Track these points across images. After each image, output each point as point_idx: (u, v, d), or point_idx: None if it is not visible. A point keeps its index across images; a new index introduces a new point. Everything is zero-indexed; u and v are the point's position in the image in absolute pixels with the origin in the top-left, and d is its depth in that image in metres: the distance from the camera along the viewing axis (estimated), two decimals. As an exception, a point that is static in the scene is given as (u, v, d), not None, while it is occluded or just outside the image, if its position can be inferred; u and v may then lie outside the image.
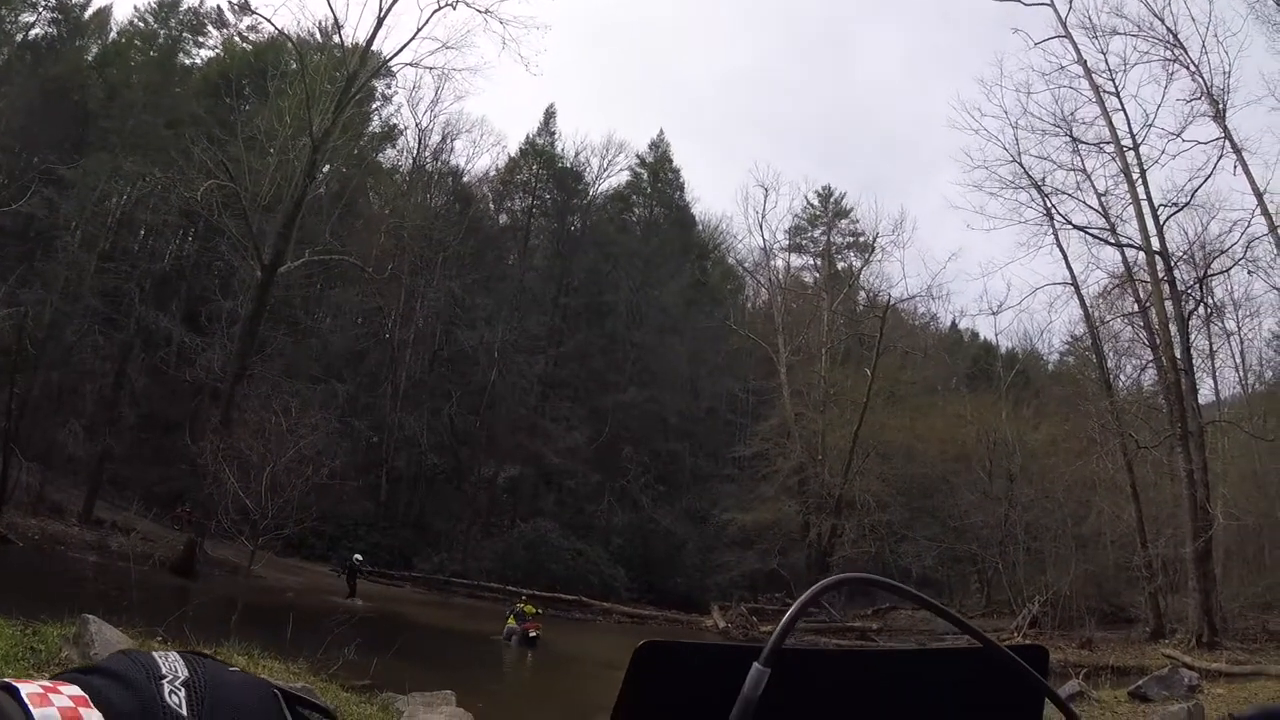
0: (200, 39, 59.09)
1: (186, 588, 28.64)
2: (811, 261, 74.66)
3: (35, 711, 0.86)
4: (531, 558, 48.91)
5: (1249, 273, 41.53)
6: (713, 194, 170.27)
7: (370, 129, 60.74)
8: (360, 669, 15.73)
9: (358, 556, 39.19)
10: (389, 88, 60.20)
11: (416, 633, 28.44)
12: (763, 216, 67.28)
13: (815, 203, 73.23)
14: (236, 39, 58.20)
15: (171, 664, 0.98)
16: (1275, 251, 37.85)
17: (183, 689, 0.95)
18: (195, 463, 33.23)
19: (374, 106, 60.15)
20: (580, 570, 49.44)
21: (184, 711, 0.92)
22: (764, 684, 1.21)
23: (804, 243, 74.32)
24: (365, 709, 11.97)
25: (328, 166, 47.93)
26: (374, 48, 45.07)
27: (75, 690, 0.90)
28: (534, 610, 35.84)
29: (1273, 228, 36.49)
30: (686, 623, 45.52)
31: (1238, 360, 52.14)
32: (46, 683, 0.91)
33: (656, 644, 1.37)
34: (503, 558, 49.32)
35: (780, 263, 72.20)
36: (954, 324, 74.88)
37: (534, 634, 33.23)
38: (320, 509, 33.04)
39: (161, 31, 57.69)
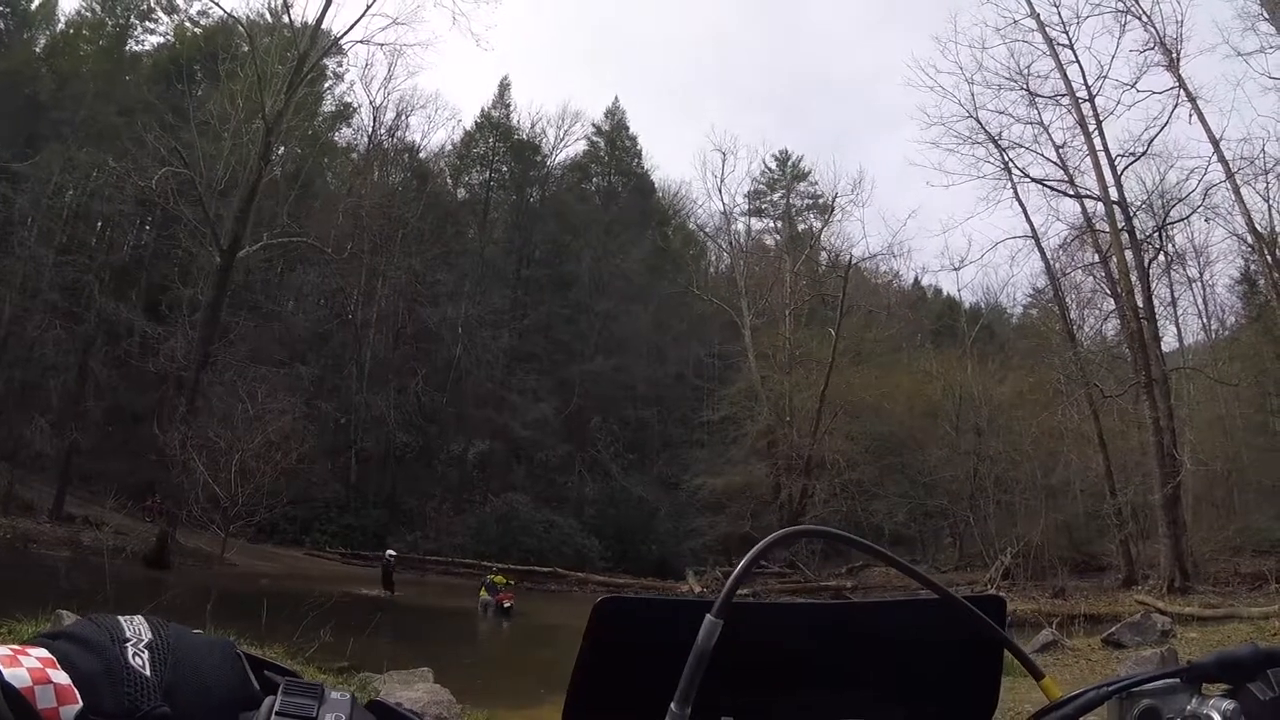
0: (149, 25, 58.41)
1: (160, 579, 28.56)
2: (772, 224, 75.01)
3: (5, 672, 0.89)
4: (504, 532, 49.08)
5: (1207, 220, 42.00)
6: (672, 160, 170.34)
7: (324, 108, 60.40)
8: (338, 650, 15.76)
9: (391, 553, 38.99)
10: (341, 66, 59.68)
11: (393, 612, 28.53)
12: (721, 181, 67.10)
13: (774, 166, 73.47)
14: (186, 24, 57.63)
15: (136, 627, 1.03)
16: (1233, 198, 38.20)
17: (146, 650, 1.00)
18: (163, 453, 33.11)
19: (327, 86, 59.71)
20: (554, 542, 49.60)
21: (147, 672, 0.97)
22: (717, 635, 1.25)
23: (764, 206, 74.56)
24: (343, 689, 11.99)
25: (282, 148, 47.71)
26: (324, 26, 44.81)
27: (42, 653, 0.95)
28: (505, 580, 36.12)
29: (1230, 174, 36.79)
30: (662, 589, 45.55)
31: (1200, 306, 52.74)
32: (15, 646, 0.96)
33: (615, 599, 1.43)
34: (476, 533, 49.45)
35: (741, 226, 72.39)
36: (917, 281, 75.03)
37: (508, 604, 33.48)
38: (290, 493, 33.00)
39: (109, 20, 57.03)
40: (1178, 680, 1.34)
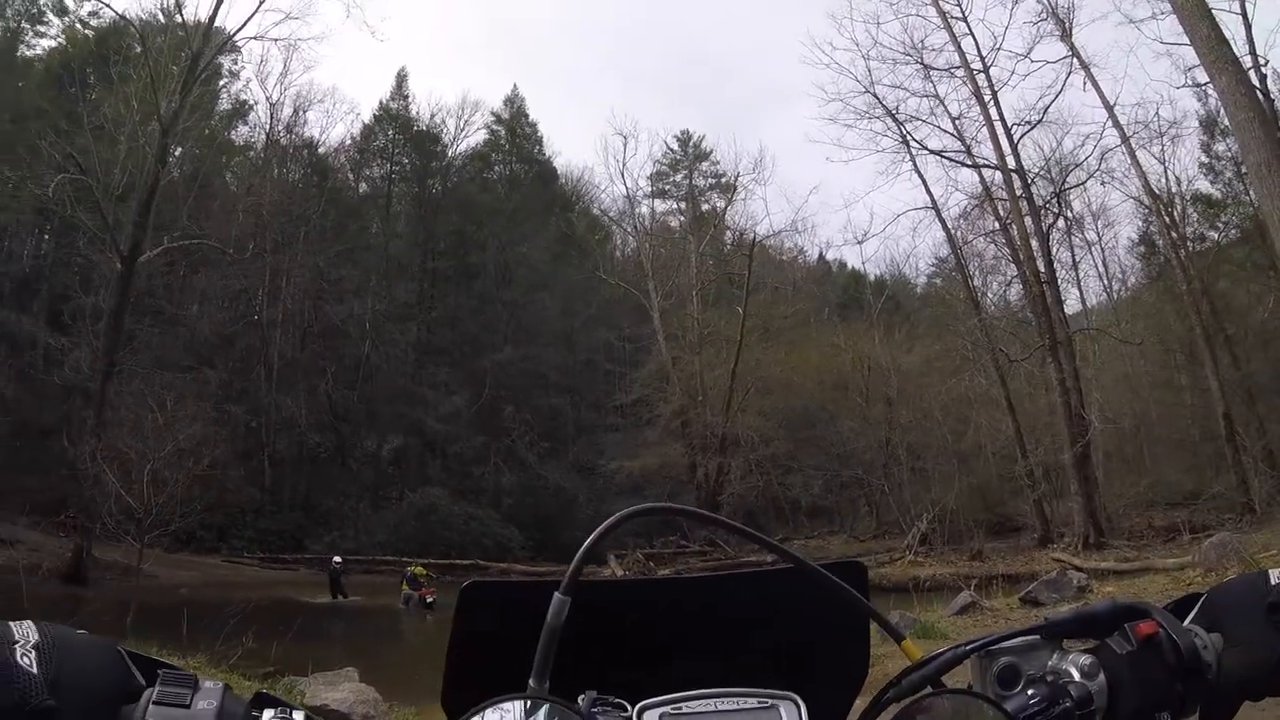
0: (40, 29, 57.09)
1: (79, 595, 28.15)
2: (676, 206, 75.12)
3: None
4: (423, 527, 48.83)
5: (1104, 184, 42.92)
6: (573, 146, 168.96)
7: (220, 107, 59.41)
8: (261, 656, 15.68)
9: (337, 560, 38.55)
10: (235, 63, 58.79)
11: (314, 614, 28.33)
12: (623, 165, 67.25)
13: (675, 147, 73.58)
14: (77, 26, 56.41)
15: (24, 630, 1.11)
16: (1129, 161, 39.09)
17: (33, 650, 1.09)
18: (74, 466, 32.63)
19: (221, 84, 58.65)
20: (474, 534, 49.53)
21: (34, 670, 1.06)
22: (565, 612, 1.33)
23: (667, 188, 74.59)
24: (251, 693, 11.93)
25: (179, 149, 46.94)
26: (217, 24, 44.09)
27: None
28: (425, 573, 36.07)
29: (1125, 139, 37.78)
30: (585, 574, 45.70)
31: (1101, 269, 53.90)
32: None
33: (480, 583, 1.53)
34: (395, 530, 49.16)
35: (645, 209, 72.36)
36: (821, 256, 75.93)
37: (430, 599, 33.45)
38: (205, 500, 32.71)
39: None
40: (1037, 637, 1.42)
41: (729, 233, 66.70)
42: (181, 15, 44.72)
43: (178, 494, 28.51)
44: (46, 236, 51.27)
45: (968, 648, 1.43)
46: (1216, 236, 46.18)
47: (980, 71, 40.16)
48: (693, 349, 55.57)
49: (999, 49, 39.92)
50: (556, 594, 1.35)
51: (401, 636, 31.04)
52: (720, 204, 68.72)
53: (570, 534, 52.49)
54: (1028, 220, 38.93)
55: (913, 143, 43.41)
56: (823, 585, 1.47)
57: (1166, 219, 41.55)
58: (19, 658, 1.06)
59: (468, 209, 65.96)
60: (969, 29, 40.59)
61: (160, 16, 47.49)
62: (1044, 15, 38.53)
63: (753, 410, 51.87)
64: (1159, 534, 33.80)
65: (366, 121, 68.06)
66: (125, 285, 39.79)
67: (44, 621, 1.15)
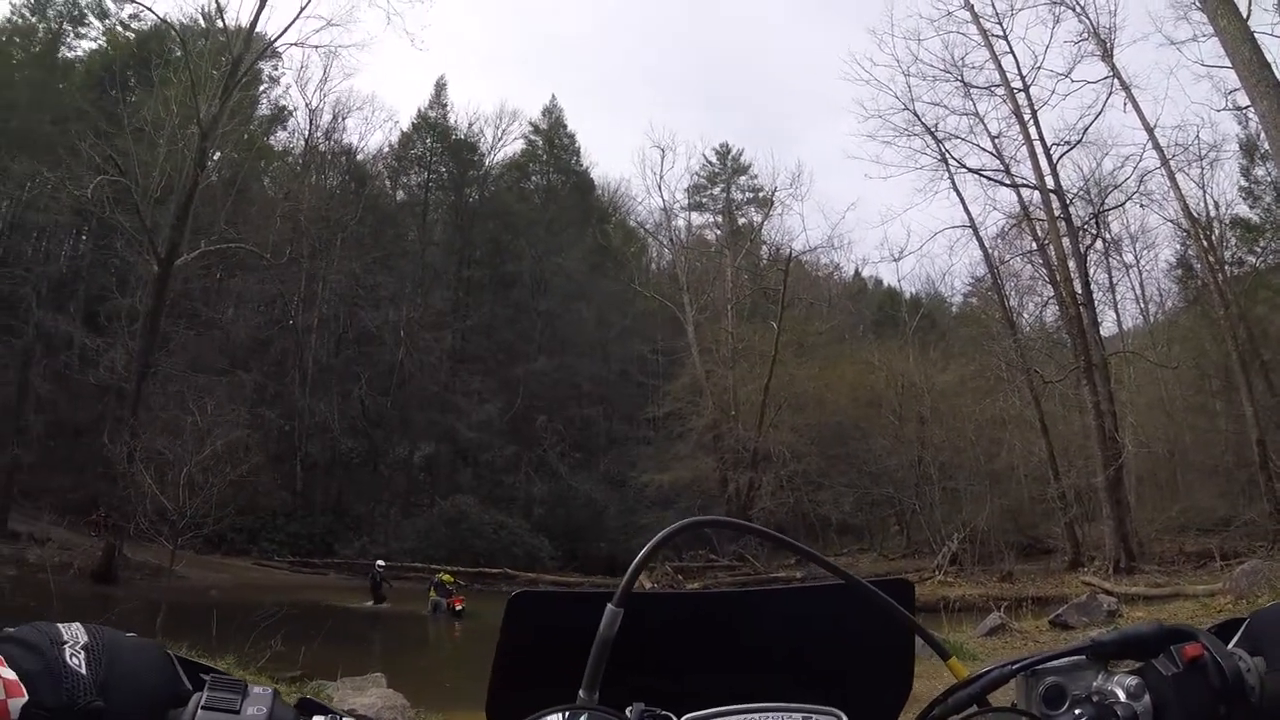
0: (81, 30, 57.56)
1: (109, 594, 28.29)
2: (712, 219, 74.81)
3: None
4: (453, 535, 48.81)
5: (1142, 206, 42.64)
6: (611, 157, 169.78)
7: (259, 112, 59.73)
8: (290, 659, 15.66)
9: (380, 564, 38.52)
10: (276, 69, 59.13)
11: (343, 619, 28.33)
12: (660, 177, 67.30)
13: (714, 160, 73.39)
14: (118, 29, 56.90)
15: (74, 632, 1.12)
16: (1168, 184, 38.82)
17: (83, 651, 1.09)
18: (109, 466, 32.80)
19: (261, 89, 59.07)
20: (503, 543, 49.38)
21: (83, 671, 1.07)
22: (618, 623, 1.32)
23: (704, 201, 74.39)
24: (295, 697, 11.88)
25: (218, 153, 47.16)
26: (258, 29, 44.38)
27: None
28: (453, 580, 36.06)
29: (1164, 161, 37.49)
30: (613, 586, 45.57)
31: (1138, 291, 53.56)
32: None
33: (528, 593, 1.53)
34: (425, 537, 49.13)
35: (681, 222, 72.24)
36: (857, 272, 75.71)
37: (460, 608, 33.42)
38: (238, 503, 32.79)
39: (41, 25, 56.18)
40: (1083, 657, 1.41)
41: (765, 247, 66.75)
42: (223, 20, 45.09)
43: (212, 497, 28.55)
44: (84, 237, 51.72)
45: (1014, 667, 1.43)
46: (1255, 261, 45.94)
47: (1020, 90, 40.03)
48: (726, 363, 55.44)
49: (1039, 68, 39.86)
50: (610, 605, 1.35)
51: (429, 643, 31.02)
52: (757, 218, 68.76)
53: (598, 544, 52.54)
54: (1065, 241, 38.67)
55: (951, 161, 43.29)
56: (872, 602, 1.48)
57: (1204, 243, 41.29)
58: (69, 658, 1.09)
59: (504, 218, 66.13)
60: (1009, 47, 40.50)
61: (201, 21, 47.91)
62: (1085, 35, 38.39)
63: (785, 426, 51.61)
64: (1190, 560, 33.50)
65: (405, 129, 68.40)
66: (162, 287, 40.03)
67: (92, 624, 1.16)
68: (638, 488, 54.93)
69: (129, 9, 53.61)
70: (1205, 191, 42.78)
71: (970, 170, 42.84)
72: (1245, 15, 20.90)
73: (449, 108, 69.23)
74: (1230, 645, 1.37)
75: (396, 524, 51.25)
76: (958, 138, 43.23)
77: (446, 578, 36.05)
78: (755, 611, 1.69)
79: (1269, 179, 42.24)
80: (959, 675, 1.46)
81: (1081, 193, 40.90)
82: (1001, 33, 40.41)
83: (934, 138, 43.34)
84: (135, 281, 45.06)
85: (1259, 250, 45.64)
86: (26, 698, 1.02)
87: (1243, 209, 45.74)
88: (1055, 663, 1.41)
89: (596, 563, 50.13)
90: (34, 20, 56.02)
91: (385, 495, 53.48)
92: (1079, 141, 39.38)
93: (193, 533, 28.57)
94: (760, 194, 69.18)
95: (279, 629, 16.51)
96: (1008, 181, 41.77)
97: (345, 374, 54.89)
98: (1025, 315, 48.76)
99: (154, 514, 28.48)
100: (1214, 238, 42.86)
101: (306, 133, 62.84)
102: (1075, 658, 1.41)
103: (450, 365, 60.25)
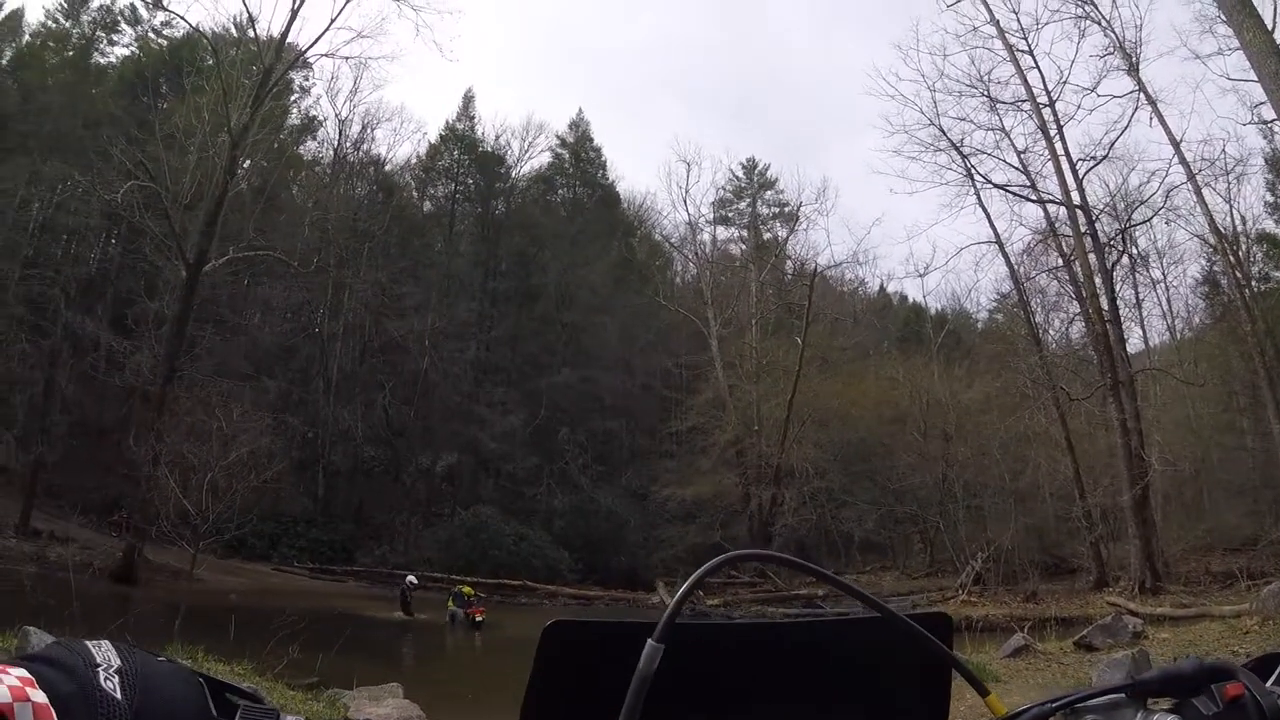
0: (114, 37, 58.04)
1: (128, 595, 28.44)
2: (738, 233, 74.98)
3: None
4: (474, 545, 48.73)
5: (1169, 222, 42.45)
6: (636, 170, 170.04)
7: (289, 122, 60.01)
8: (306, 667, 15.60)
9: (411, 579, 38.53)
10: (306, 79, 59.37)
11: (363, 626, 28.35)
12: (686, 191, 67.62)
13: (740, 174, 73.63)
14: (151, 36, 57.37)
15: (105, 653, 1.08)
16: (1195, 199, 38.61)
17: (116, 675, 1.05)
18: (132, 467, 32.94)
19: (292, 99, 59.31)
20: (523, 555, 49.26)
21: (118, 696, 1.02)
22: (658, 660, 1.28)
23: (730, 215, 74.66)
24: (311, 706, 11.83)
25: (248, 161, 47.30)
26: (289, 40, 44.58)
27: (22, 672, 1.00)
28: (472, 591, 36.02)
29: (1191, 176, 37.24)
30: (632, 601, 45.49)
31: (1165, 308, 53.34)
32: None
33: (564, 623, 1.46)
34: (445, 547, 49.11)
35: (706, 236, 72.60)
36: (882, 288, 75.69)
37: (480, 618, 33.41)
38: (260, 508, 32.91)
39: (74, 31, 56.63)
40: (1122, 695, 1.38)
41: (790, 262, 66.78)
42: (254, 30, 45.24)
43: (235, 502, 28.63)
44: (114, 241, 51.96)
45: (1053, 705, 1.41)
46: (1282, 277, 45.68)
47: (1046, 105, 39.81)
48: (750, 378, 55.32)
49: (1065, 83, 39.58)
50: (650, 640, 1.31)
51: (446, 653, 31.02)
52: (782, 233, 68.83)
53: (619, 558, 52.48)
54: (1091, 257, 38.44)
55: (977, 176, 43.10)
56: (909, 636, 1.48)
57: (1231, 258, 41.04)
58: (103, 681, 1.04)
59: (530, 230, 66.25)
60: (1035, 62, 40.29)
61: (233, 30, 48.26)
62: (1110, 49, 38.15)
63: (808, 442, 51.39)
64: (1216, 580, 33.10)
65: (433, 141, 68.83)
66: (189, 292, 40.17)
67: (122, 643, 1.13)
68: (659, 501, 54.79)
69: (161, 16, 54.11)
70: (1232, 206, 42.62)
71: (996, 186, 42.64)
72: (1271, 28, 20.74)
73: (476, 120, 69.64)
74: (1269, 683, 1.34)
75: (417, 533, 51.34)
76: (983, 153, 43.03)
77: (468, 589, 36.03)
78: (792, 642, 1.67)
79: (1294, 194, 42.06)
80: (997, 713, 1.46)
81: (1108, 208, 40.71)
82: (1027, 48, 40.29)
83: (959, 153, 43.16)
84: (163, 286, 45.38)
85: (1286, 266, 45.46)
86: None
87: (1269, 224, 45.55)
88: (1094, 701, 1.40)
89: (616, 576, 50.03)
90: (68, 25, 56.56)
91: (406, 504, 53.54)
92: (1105, 156, 39.18)
93: (214, 537, 28.69)
94: (786, 209, 69.41)
95: (297, 635, 16.52)
96: (1034, 197, 41.56)
97: (369, 382, 55.00)
98: (1051, 331, 48.51)
99: (176, 517, 28.57)
100: (1240, 253, 42.62)
101: (336, 143, 63.20)
102: (1114, 695, 1.39)
103: (474, 376, 60.38)
